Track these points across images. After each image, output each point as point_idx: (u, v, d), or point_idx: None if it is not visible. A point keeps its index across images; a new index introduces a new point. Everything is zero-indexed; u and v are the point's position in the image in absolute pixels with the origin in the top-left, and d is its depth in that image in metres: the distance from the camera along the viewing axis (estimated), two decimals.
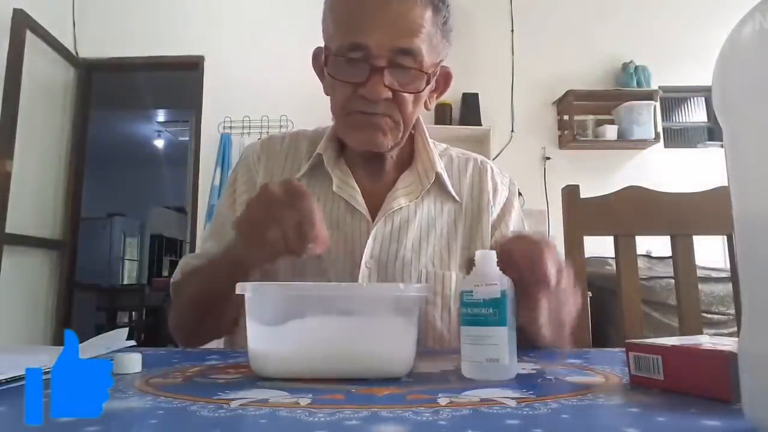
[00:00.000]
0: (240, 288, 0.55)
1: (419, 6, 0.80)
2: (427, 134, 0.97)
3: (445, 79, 0.91)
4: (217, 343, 1.00)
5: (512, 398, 0.44)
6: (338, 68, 0.82)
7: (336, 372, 0.53)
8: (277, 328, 0.55)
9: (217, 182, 3.60)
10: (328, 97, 0.88)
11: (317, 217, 0.67)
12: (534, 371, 0.58)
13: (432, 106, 0.93)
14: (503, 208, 0.96)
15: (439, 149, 1.00)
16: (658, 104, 3.82)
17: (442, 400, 0.44)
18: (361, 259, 0.87)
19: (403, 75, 0.81)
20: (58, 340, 3.61)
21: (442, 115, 3.73)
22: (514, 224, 0.96)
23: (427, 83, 0.84)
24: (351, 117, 0.84)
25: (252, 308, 0.56)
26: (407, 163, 0.95)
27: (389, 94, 0.80)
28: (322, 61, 0.86)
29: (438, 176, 0.92)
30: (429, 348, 0.83)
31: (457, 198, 0.94)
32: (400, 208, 0.90)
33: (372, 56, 0.79)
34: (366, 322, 0.56)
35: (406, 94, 0.82)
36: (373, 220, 0.89)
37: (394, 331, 0.55)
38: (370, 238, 0.88)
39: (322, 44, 0.90)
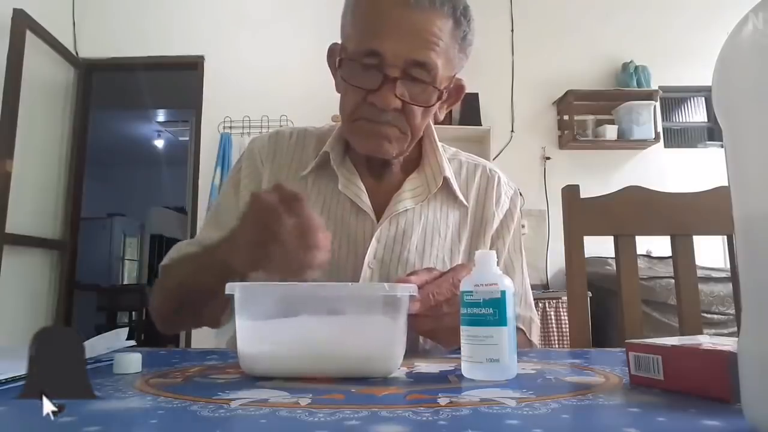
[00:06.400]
0: (229, 288, 0.56)
1: (440, 18, 0.78)
2: (436, 137, 0.96)
3: (457, 90, 0.90)
4: (216, 343, 1.00)
5: (512, 398, 0.44)
6: (351, 72, 0.81)
7: (323, 371, 0.54)
8: (266, 327, 0.55)
9: (217, 182, 3.60)
10: (339, 94, 0.87)
11: (317, 222, 0.64)
12: (534, 371, 0.58)
13: (442, 116, 0.92)
14: (502, 221, 0.96)
15: (449, 153, 1.00)
16: (658, 104, 3.82)
17: (442, 400, 0.44)
18: (364, 260, 0.87)
19: (416, 87, 0.80)
20: None
21: None
22: (509, 244, 0.97)
23: (439, 99, 0.83)
24: (358, 123, 0.84)
25: (241, 308, 0.56)
26: (414, 165, 0.94)
27: (399, 105, 0.80)
28: (336, 59, 0.85)
29: (446, 181, 0.92)
30: (429, 350, 0.83)
31: (465, 202, 0.94)
32: (406, 210, 0.90)
33: (386, 65, 0.78)
34: (352, 322, 0.56)
35: (415, 106, 0.82)
36: (378, 220, 0.89)
37: (380, 331, 0.56)
38: (374, 238, 0.87)
39: (326, 42, 0.89)
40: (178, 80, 4.46)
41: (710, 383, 0.43)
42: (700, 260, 1.05)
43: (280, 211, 0.63)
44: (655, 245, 3.25)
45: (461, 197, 0.94)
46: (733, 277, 1.03)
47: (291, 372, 0.54)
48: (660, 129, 3.80)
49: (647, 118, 3.72)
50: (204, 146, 3.81)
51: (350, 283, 0.74)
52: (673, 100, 4.13)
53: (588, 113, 3.84)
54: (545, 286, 3.59)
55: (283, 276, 0.66)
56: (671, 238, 1.04)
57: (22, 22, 3.22)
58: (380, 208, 0.90)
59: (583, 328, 1.03)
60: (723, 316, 2.86)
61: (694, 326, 0.99)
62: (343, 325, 0.56)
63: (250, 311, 0.56)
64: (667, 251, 1.07)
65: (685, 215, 1.03)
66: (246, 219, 0.68)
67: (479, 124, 3.76)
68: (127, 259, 8.24)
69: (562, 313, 3.14)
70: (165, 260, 0.93)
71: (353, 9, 0.83)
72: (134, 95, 5.06)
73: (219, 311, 0.82)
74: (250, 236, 0.67)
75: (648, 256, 3.32)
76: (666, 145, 3.94)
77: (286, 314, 0.55)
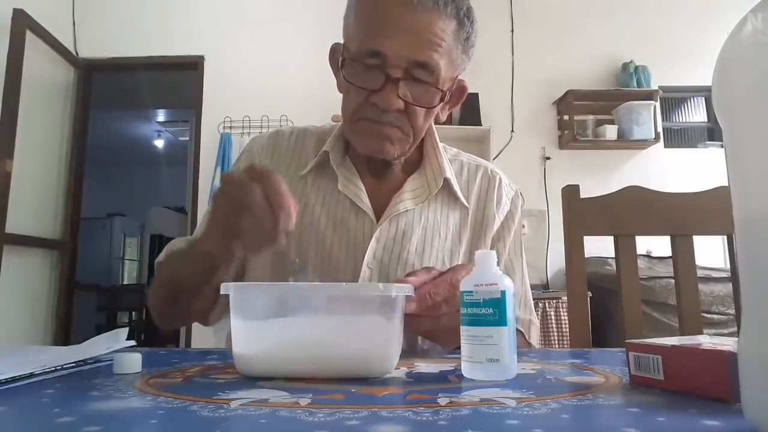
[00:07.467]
0: (224, 288, 0.56)
1: (443, 19, 0.78)
2: (437, 138, 0.96)
3: (459, 91, 0.90)
4: (216, 343, 1.00)
5: (512, 398, 0.44)
6: (354, 72, 0.81)
7: (317, 371, 0.54)
8: (260, 327, 0.55)
9: (217, 182, 3.60)
10: (340, 94, 0.86)
11: (283, 187, 0.63)
12: (534, 371, 0.58)
13: (444, 117, 0.91)
14: (503, 223, 0.96)
15: (450, 154, 0.99)
16: (658, 104, 3.82)
17: (442, 400, 0.44)
18: (363, 260, 0.86)
19: (418, 88, 0.80)
20: (58, 340, 3.61)
21: None
22: (510, 246, 0.97)
23: (442, 100, 0.83)
24: (360, 123, 0.83)
25: (236, 308, 0.56)
26: (415, 166, 0.94)
27: (401, 105, 0.79)
28: (339, 59, 0.84)
29: (447, 182, 0.92)
30: (427, 350, 0.83)
31: (465, 204, 0.94)
32: (406, 211, 0.89)
33: (389, 65, 0.77)
34: (346, 322, 0.56)
35: (418, 107, 0.81)
36: (378, 221, 0.88)
37: (375, 331, 0.56)
38: (373, 239, 0.87)
39: (326, 42, 0.89)
40: (178, 80, 4.46)
41: (710, 383, 0.43)
42: (700, 260, 1.05)
43: (248, 182, 0.63)
44: (655, 245, 3.25)
45: (462, 198, 0.93)
46: (733, 277, 1.03)
47: (285, 372, 0.54)
48: (660, 129, 3.80)
49: (647, 118, 3.72)
50: (204, 146, 3.81)
51: (345, 283, 0.74)
52: (673, 100, 4.13)
53: (588, 113, 3.84)
54: (545, 286, 3.59)
55: (255, 245, 0.67)
56: (671, 238, 1.04)
57: (22, 22, 3.22)
58: (380, 208, 0.89)
59: (583, 328, 1.03)
60: (723, 316, 2.86)
61: (694, 326, 0.99)
62: (338, 325, 0.55)
63: (245, 311, 0.56)
64: (667, 251, 1.07)
65: (685, 215, 1.03)
66: (217, 197, 0.68)
67: (479, 124, 3.76)
68: (127, 259, 8.25)
69: (562, 313, 3.14)
70: (159, 257, 0.94)
71: (355, 9, 0.83)
72: (134, 95, 5.07)
73: (207, 307, 0.82)
74: (223, 211, 0.67)
75: (648, 256, 3.32)
76: (666, 145, 3.94)
77: (281, 314, 0.55)
